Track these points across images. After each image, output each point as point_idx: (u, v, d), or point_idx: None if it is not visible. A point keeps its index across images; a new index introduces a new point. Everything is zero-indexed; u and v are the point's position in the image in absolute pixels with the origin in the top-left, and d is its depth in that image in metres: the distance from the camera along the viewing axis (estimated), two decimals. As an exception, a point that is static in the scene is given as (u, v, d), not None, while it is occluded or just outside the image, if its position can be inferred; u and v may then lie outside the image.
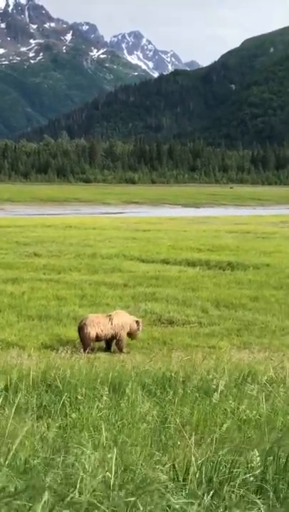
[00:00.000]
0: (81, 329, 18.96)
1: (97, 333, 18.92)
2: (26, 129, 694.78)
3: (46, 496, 4.35)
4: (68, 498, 4.43)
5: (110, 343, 19.42)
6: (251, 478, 5.15)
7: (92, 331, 18.83)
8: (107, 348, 19.34)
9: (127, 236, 51.71)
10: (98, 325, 18.99)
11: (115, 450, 6.08)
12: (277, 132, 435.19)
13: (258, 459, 5.30)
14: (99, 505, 4.44)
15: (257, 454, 5.35)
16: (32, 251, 40.06)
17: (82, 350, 17.86)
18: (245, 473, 5.25)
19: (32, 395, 8.98)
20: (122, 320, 19.33)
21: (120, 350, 19.02)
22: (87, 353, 17.54)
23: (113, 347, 19.43)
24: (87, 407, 8.28)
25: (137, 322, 19.57)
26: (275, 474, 5.31)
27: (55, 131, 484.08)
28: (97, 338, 19.06)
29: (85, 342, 18.72)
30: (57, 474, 4.75)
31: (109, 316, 19.51)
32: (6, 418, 6.89)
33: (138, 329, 19.58)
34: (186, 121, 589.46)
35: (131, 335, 19.54)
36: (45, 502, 4.30)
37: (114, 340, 19.29)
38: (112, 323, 19.13)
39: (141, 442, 7.00)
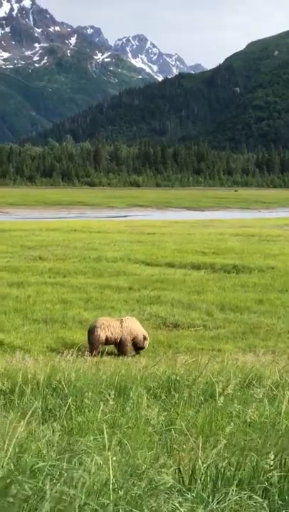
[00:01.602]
0: (91, 331, 18.92)
1: (107, 336, 18.90)
2: (31, 132, 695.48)
3: (52, 499, 4.36)
4: (74, 502, 4.44)
5: (120, 346, 19.33)
6: (256, 482, 5.15)
7: (102, 334, 18.81)
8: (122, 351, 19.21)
9: (132, 239, 51.71)
10: (109, 328, 18.96)
11: (121, 453, 6.09)
12: (282, 135, 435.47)
13: (264, 462, 5.30)
14: (105, 508, 4.45)
15: (262, 457, 5.34)
16: (37, 254, 40.08)
17: (88, 352, 17.64)
18: (250, 477, 5.25)
19: (37, 398, 8.98)
20: (132, 326, 19.29)
21: (125, 354, 18.96)
22: (94, 355, 17.44)
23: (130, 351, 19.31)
24: (93, 411, 8.28)
25: (144, 337, 19.45)
26: (281, 478, 5.30)
27: (60, 134, 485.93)
28: (107, 341, 19.01)
29: (94, 344, 18.67)
30: (63, 478, 4.75)
31: (121, 320, 19.50)
32: (12, 421, 6.90)
33: (143, 345, 19.44)
34: (191, 124, 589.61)
35: (135, 346, 19.44)
36: (51, 506, 4.31)
37: (122, 344, 19.18)
38: (122, 327, 19.09)
39: (146, 445, 7.00)
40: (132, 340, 19.23)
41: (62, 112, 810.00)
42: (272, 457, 5.34)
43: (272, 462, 5.28)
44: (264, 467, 5.30)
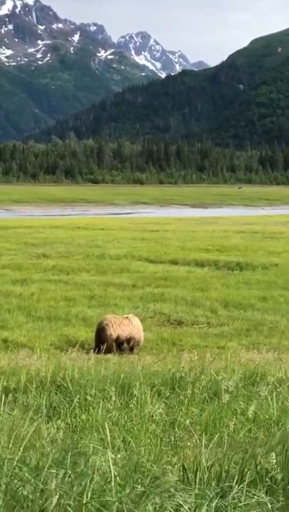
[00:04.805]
0: (102, 330, 18.85)
1: (118, 334, 18.89)
2: (34, 130, 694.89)
3: (57, 497, 4.36)
4: (78, 499, 4.44)
5: (129, 344, 19.29)
6: (260, 479, 5.14)
7: (113, 333, 18.79)
8: (123, 349, 19.16)
9: (136, 237, 51.73)
10: (120, 326, 18.95)
11: (125, 451, 6.09)
12: (286, 132, 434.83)
13: (268, 459, 5.29)
14: (109, 505, 4.45)
15: (267, 454, 5.33)
16: (41, 252, 40.10)
17: (93, 350, 17.46)
18: (254, 474, 5.24)
19: (41, 395, 8.98)
20: (139, 324, 19.37)
21: (132, 350, 19.01)
22: (100, 353, 17.33)
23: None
24: (97, 408, 8.28)
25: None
26: (285, 475, 5.29)
27: (63, 132, 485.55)
28: (117, 339, 18.99)
29: (107, 343, 18.57)
30: (67, 475, 4.76)
31: (127, 317, 19.50)
32: (16, 419, 6.90)
33: (139, 343, 19.52)
34: (194, 121, 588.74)
35: (137, 344, 19.49)
36: (55, 503, 4.31)
37: (132, 341, 19.18)
38: (132, 325, 19.10)
39: (150, 443, 7.00)
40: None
41: (66, 109, 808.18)
42: (274, 456, 5.34)
43: (274, 461, 5.27)
44: (268, 465, 5.28)
